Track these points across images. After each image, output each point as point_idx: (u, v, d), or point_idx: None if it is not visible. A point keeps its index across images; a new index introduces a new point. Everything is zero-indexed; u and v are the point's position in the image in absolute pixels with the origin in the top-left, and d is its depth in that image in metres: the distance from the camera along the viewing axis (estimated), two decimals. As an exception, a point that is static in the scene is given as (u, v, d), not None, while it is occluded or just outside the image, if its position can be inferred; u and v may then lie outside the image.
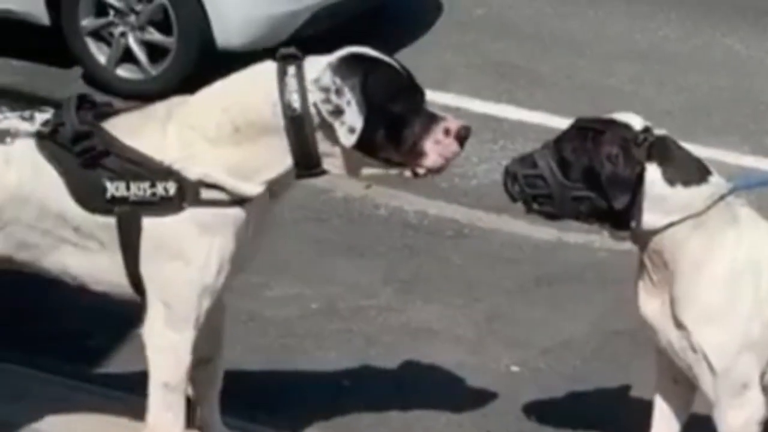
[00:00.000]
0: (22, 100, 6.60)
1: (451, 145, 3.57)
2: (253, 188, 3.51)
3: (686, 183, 3.60)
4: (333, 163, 3.56)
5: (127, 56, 7.07)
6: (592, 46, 8.05)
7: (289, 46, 3.66)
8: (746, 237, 3.65)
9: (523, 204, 3.72)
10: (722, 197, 3.63)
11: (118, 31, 7.04)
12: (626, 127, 3.62)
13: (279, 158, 3.51)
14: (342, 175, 3.61)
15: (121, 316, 4.79)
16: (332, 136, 3.49)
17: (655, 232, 3.61)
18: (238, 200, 3.51)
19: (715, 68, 7.84)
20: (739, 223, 3.65)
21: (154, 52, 7.04)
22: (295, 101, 3.46)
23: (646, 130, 3.62)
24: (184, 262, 3.53)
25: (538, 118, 6.99)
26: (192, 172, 3.48)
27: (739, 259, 3.62)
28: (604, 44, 8.10)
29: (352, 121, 3.44)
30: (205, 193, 3.49)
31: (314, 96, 3.46)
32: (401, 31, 8.06)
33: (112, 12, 7.05)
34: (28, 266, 3.71)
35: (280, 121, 3.47)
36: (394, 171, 3.61)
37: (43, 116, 3.60)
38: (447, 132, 3.56)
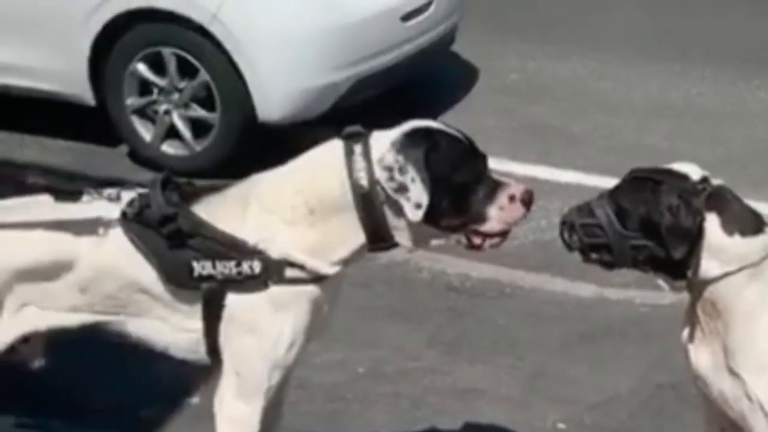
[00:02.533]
0: (71, 179, 6.76)
1: (516, 210, 3.59)
2: (331, 268, 3.59)
3: (743, 233, 3.55)
4: (402, 235, 3.61)
5: (172, 133, 7.17)
6: (627, 106, 8.10)
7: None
8: None
9: (580, 253, 3.66)
10: None
11: (162, 108, 7.14)
12: (684, 177, 3.58)
13: (352, 235, 3.58)
14: (410, 247, 3.65)
15: (173, 387, 4.88)
16: (399, 211, 3.54)
17: (710, 281, 3.56)
18: (316, 278, 3.59)
19: (750, 121, 7.87)
20: None
21: (198, 127, 7.14)
22: (363, 179, 3.52)
23: (704, 180, 3.58)
24: (258, 337, 3.59)
25: (575, 177, 7.03)
26: (275, 252, 3.55)
27: None
28: (638, 103, 8.16)
29: (417, 197, 3.49)
30: (289, 272, 3.56)
31: (378, 175, 3.52)
32: (438, 96, 8.14)
33: (155, 90, 7.16)
34: (108, 330, 3.78)
35: (350, 200, 3.54)
36: (458, 239, 3.64)
37: (128, 195, 3.67)
38: (512, 198, 3.59)
